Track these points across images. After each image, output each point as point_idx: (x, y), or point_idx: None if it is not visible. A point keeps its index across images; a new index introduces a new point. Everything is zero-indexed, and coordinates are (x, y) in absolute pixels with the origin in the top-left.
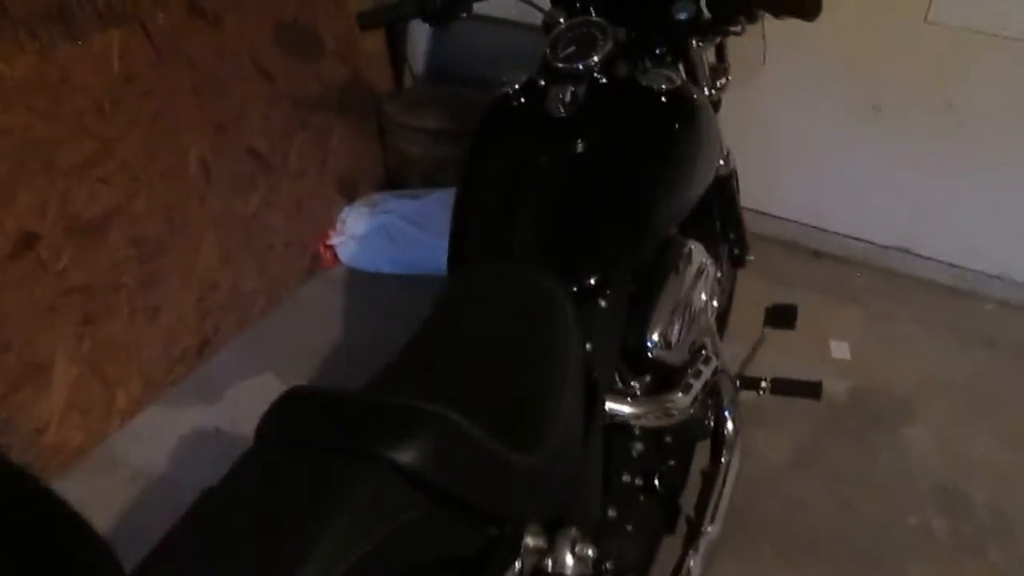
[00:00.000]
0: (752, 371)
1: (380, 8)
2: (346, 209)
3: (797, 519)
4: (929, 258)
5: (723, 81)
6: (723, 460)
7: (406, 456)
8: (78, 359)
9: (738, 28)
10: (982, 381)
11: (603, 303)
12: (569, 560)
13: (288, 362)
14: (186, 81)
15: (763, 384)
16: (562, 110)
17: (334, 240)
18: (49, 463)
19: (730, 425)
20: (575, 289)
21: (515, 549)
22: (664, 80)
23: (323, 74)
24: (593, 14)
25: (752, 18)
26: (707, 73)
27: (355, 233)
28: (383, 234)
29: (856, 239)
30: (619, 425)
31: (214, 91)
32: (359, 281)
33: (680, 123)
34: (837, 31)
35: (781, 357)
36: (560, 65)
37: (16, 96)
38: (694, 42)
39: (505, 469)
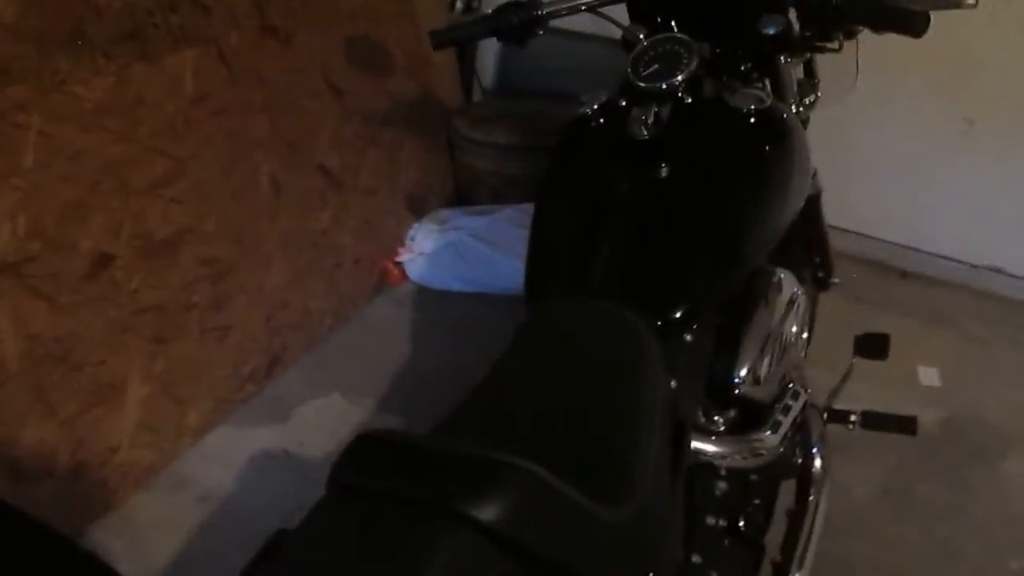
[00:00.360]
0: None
1: (453, 27)
2: (415, 226)
3: (888, 560)
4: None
5: (812, 98)
6: (810, 499)
7: (489, 514)
8: (150, 378)
9: (835, 45)
10: None
11: (689, 337)
12: None
13: (356, 382)
14: (258, 99)
15: (853, 418)
16: (645, 132)
17: (403, 257)
18: (121, 482)
19: (818, 462)
20: (660, 323)
21: None
22: (753, 100)
23: (393, 90)
24: (675, 29)
25: (851, 34)
26: (795, 90)
27: (424, 250)
28: (452, 251)
29: (946, 258)
30: (703, 464)
31: (285, 108)
32: (427, 299)
33: (771, 146)
34: (927, 41)
35: (864, 384)
36: (642, 84)
37: (93, 118)
38: (782, 58)
39: (594, 525)
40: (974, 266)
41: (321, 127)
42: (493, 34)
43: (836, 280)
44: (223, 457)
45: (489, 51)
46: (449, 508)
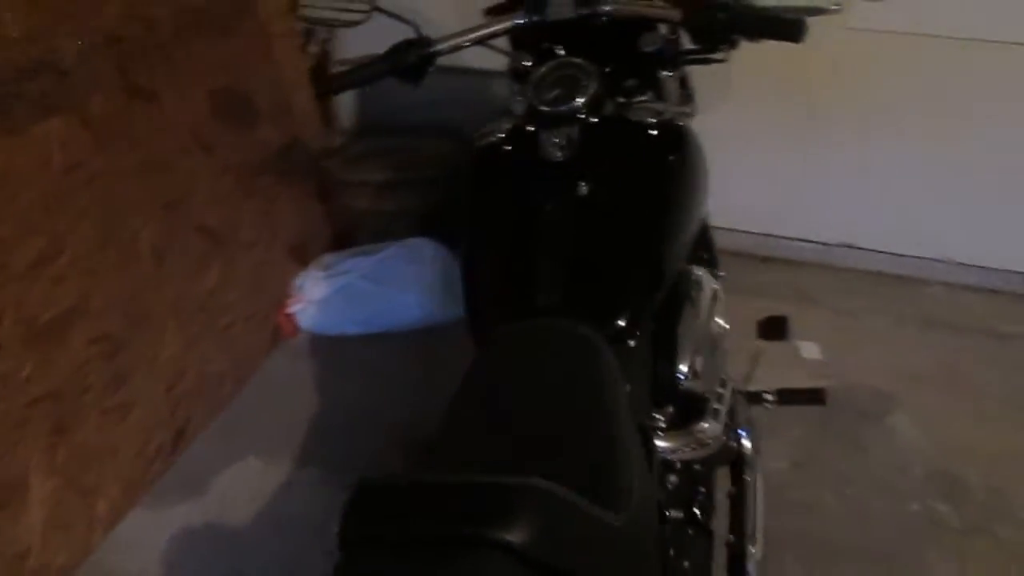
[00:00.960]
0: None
1: (351, 71)
2: (301, 275)
3: (810, 524)
4: (873, 250)
5: (689, 109)
6: (748, 479)
7: (520, 537)
8: (53, 472)
9: (722, 56)
10: (948, 363)
11: (633, 343)
12: None
13: (268, 442)
14: (129, 163)
15: (770, 397)
16: (559, 154)
17: (293, 308)
18: None
19: (750, 444)
20: (608, 334)
21: None
22: (651, 113)
23: (261, 140)
24: (561, 55)
25: (734, 45)
26: (676, 101)
27: (314, 298)
28: (343, 296)
29: (803, 241)
30: (660, 461)
31: (158, 170)
32: (325, 346)
33: (675, 155)
34: (767, 45)
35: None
36: (548, 109)
37: None
38: (663, 73)
39: (606, 533)
40: (829, 245)
41: (196, 186)
42: (391, 73)
43: (723, 274)
44: (142, 542)
45: (345, 93)
46: (481, 537)
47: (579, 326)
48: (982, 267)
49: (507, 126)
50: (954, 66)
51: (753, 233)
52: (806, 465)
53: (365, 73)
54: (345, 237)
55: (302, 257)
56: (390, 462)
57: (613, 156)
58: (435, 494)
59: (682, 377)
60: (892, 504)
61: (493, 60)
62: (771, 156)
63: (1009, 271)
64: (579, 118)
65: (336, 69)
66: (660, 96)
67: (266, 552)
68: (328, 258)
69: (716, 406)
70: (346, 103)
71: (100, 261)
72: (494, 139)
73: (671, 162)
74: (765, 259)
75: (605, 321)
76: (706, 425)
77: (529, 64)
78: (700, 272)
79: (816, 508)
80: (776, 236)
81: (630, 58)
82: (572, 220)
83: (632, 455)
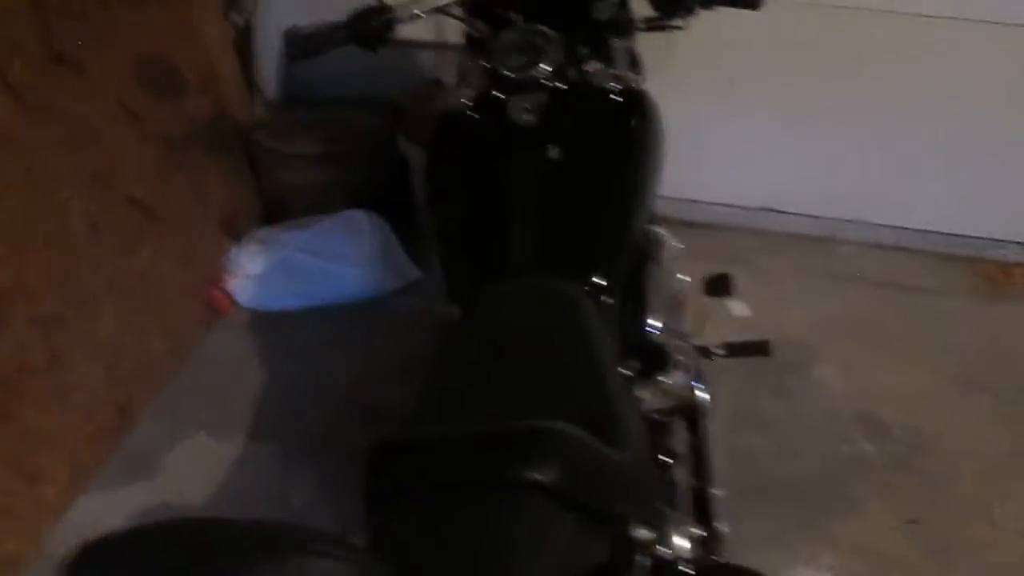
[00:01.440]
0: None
1: (310, 36)
2: (234, 250)
3: (749, 468)
4: (793, 213)
5: (638, 77)
6: (706, 428)
7: (552, 476)
8: None
9: (682, 24)
10: (863, 315)
11: (608, 299)
12: (684, 543)
13: (216, 419)
14: (54, 133)
15: (718, 351)
16: (529, 119)
17: (229, 284)
18: None
19: (705, 395)
20: (586, 290)
21: (634, 546)
22: (614, 79)
23: (188, 110)
24: (516, 22)
25: (693, 12)
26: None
27: (251, 273)
28: (281, 270)
29: (725, 206)
30: None
31: (85, 140)
32: (264, 322)
33: (639, 119)
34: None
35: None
36: (514, 75)
37: None
38: (615, 40)
39: (621, 472)
40: (751, 209)
41: (124, 156)
42: (352, 40)
43: None
44: (94, 526)
45: (267, 63)
46: (516, 478)
47: (561, 283)
48: (890, 226)
49: (471, 92)
50: (865, 35)
51: (676, 199)
52: (740, 414)
53: (326, 39)
54: (276, 211)
55: (234, 231)
56: (341, 431)
57: (580, 121)
58: (461, 443)
59: (650, 330)
60: (823, 447)
61: (417, 31)
62: (694, 124)
63: (913, 230)
64: (545, 84)
65: (290, 36)
66: (611, 63)
67: None
68: (262, 232)
69: (679, 358)
70: (269, 74)
71: (31, 236)
72: (459, 105)
73: (636, 126)
74: (689, 224)
75: (582, 278)
76: (672, 377)
77: (487, 32)
78: (661, 230)
79: (753, 452)
80: (700, 202)
81: (583, 25)
82: (544, 182)
83: (625, 401)
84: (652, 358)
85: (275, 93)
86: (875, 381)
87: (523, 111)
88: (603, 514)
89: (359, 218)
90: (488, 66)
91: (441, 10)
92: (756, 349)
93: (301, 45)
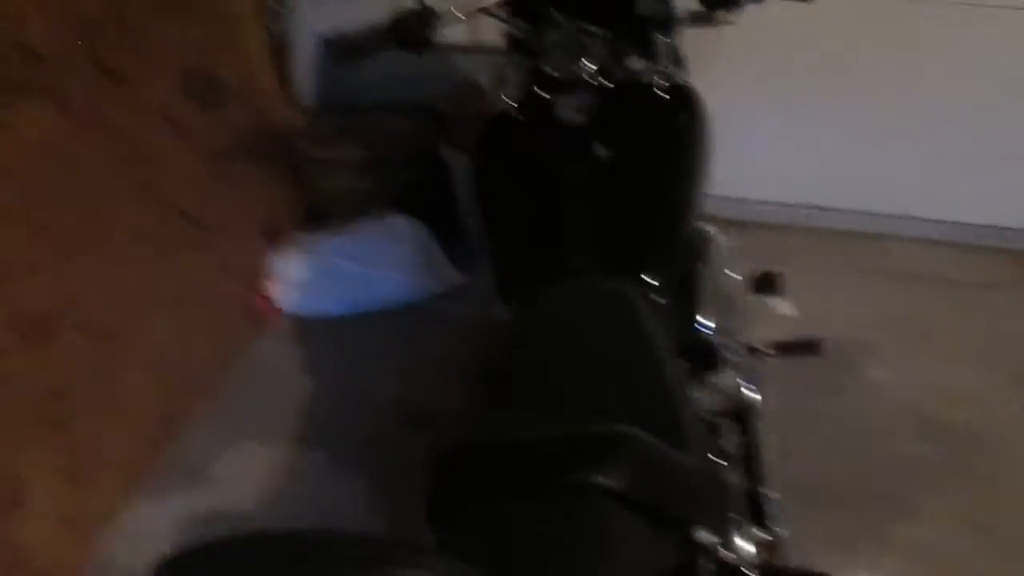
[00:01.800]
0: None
1: (355, 40)
2: (277, 256)
3: (807, 471)
4: (836, 209)
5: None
6: (757, 429)
7: (619, 481)
8: (52, 469)
9: (733, 19)
10: (912, 311)
11: (662, 299)
12: (748, 547)
13: (262, 426)
14: (104, 147)
15: (766, 350)
16: (578, 118)
17: (274, 291)
18: None
19: (756, 395)
20: (642, 291)
21: (699, 550)
22: (661, 76)
23: (232, 120)
24: (561, 20)
25: (739, 5)
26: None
27: (295, 280)
28: (326, 276)
29: (770, 203)
30: None
31: (135, 154)
32: (309, 328)
33: (687, 116)
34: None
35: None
36: (559, 74)
37: None
38: (659, 37)
39: (689, 476)
40: (794, 206)
41: (172, 169)
42: (395, 44)
43: None
44: (150, 533)
45: (303, 71)
46: (588, 484)
47: (616, 283)
48: (937, 221)
49: (516, 94)
50: (916, 24)
51: (721, 197)
52: (795, 414)
53: (370, 43)
54: (317, 217)
55: (275, 238)
56: (387, 437)
57: (628, 119)
58: (533, 448)
59: (702, 329)
60: (881, 448)
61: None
62: (736, 119)
63: (960, 223)
64: (591, 82)
65: (332, 41)
66: (654, 60)
67: None
68: (305, 239)
69: (731, 358)
70: (306, 82)
71: (84, 250)
72: (504, 107)
73: (684, 123)
74: (733, 222)
75: (634, 277)
76: (723, 377)
77: (529, 31)
78: (710, 228)
79: (809, 454)
80: (744, 199)
81: (626, 22)
82: (594, 182)
83: (686, 402)
84: (703, 357)
85: (312, 100)
86: (929, 378)
87: (571, 110)
88: (671, 519)
89: (400, 223)
90: (532, 66)
91: (484, 10)
92: (807, 348)
93: (344, 49)
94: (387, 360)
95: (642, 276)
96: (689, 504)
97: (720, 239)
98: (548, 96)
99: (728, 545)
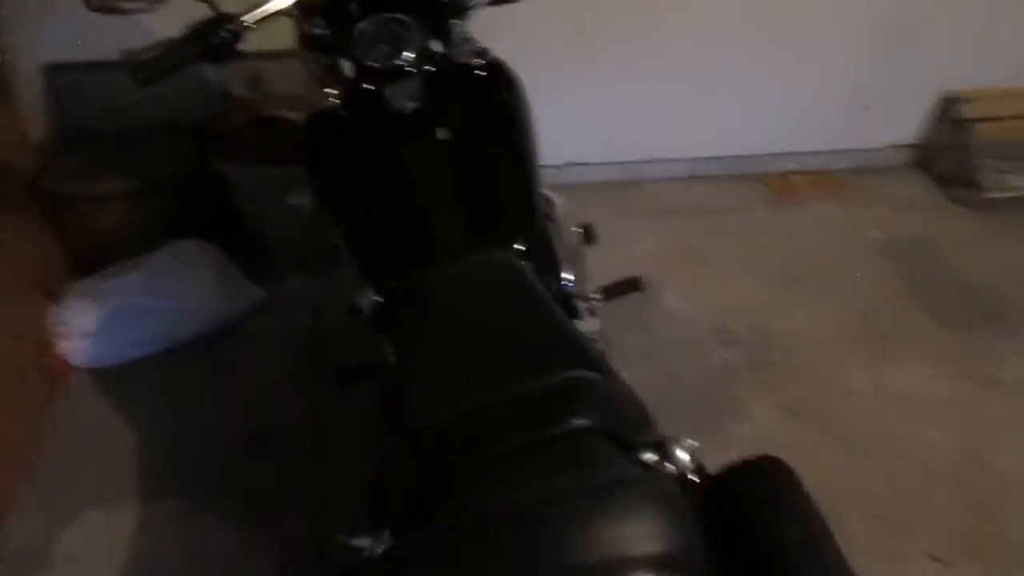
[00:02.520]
0: None
1: (157, 59)
2: (57, 311)
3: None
4: (599, 163)
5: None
6: None
7: (596, 419)
8: None
9: None
10: (682, 242)
11: (530, 263)
12: (685, 456)
13: (95, 490)
14: None
15: (594, 296)
16: (410, 105)
17: (65, 348)
18: None
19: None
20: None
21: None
22: (474, 55)
23: None
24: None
25: None
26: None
27: (86, 331)
28: (117, 320)
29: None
30: None
31: None
32: (111, 377)
33: (509, 88)
34: None
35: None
36: (379, 65)
37: None
38: (452, 20)
39: (628, 403)
40: (558, 166)
41: None
42: (202, 56)
43: None
44: None
45: (30, 102)
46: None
47: (496, 255)
48: (685, 159)
49: (337, 91)
50: None
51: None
52: (618, 350)
53: (174, 59)
54: (88, 260)
55: (49, 291)
56: (238, 466)
57: (456, 98)
58: (506, 408)
59: (566, 285)
60: (695, 363)
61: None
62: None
63: (706, 158)
64: (414, 69)
65: (132, 61)
66: (449, 42)
67: None
68: (82, 285)
69: (587, 306)
70: (34, 117)
71: None
72: (328, 104)
73: (509, 95)
74: None
75: (506, 246)
76: (587, 325)
77: (316, 31)
78: (550, 192)
79: (635, 381)
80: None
81: (425, 10)
82: (443, 163)
83: (592, 344)
84: (569, 309)
85: (41, 136)
86: (713, 297)
87: (402, 98)
88: (628, 443)
89: (189, 248)
90: (349, 62)
91: (281, 13)
92: (630, 287)
93: (149, 69)
94: (209, 390)
95: (512, 245)
96: (636, 427)
97: (560, 202)
98: (368, 88)
99: (669, 458)
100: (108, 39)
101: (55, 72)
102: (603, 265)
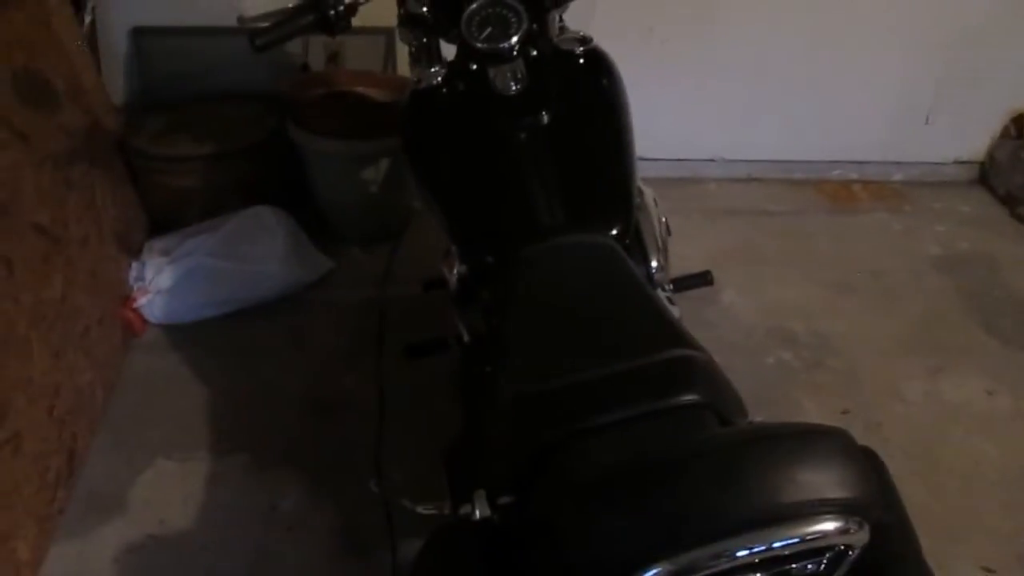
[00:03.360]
0: None
1: (276, 25)
2: (135, 265)
3: None
4: (657, 159)
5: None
6: None
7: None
8: None
9: None
10: (742, 242)
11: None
12: None
13: (169, 441)
14: None
15: (667, 287)
16: (515, 87)
17: (141, 301)
18: None
19: None
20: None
21: None
22: (576, 43)
23: (67, 124)
24: None
25: None
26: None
27: (161, 287)
28: (195, 279)
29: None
30: None
31: None
32: (184, 335)
33: (608, 76)
34: None
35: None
36: (488, 47)
37: None
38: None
39: (726, 380)
40: None
41: (21, 181)
42: (317, 25)
43: None
44: (87, 574)
45: (114, 64)
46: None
47: (595, 237)
48: (745, 160)
49: (442, 69)
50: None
51: None
52: None
53: (290, 27)
54: (168, 219)
55: (129, 247)
56: (302, 429)
57: (559, 83)
58: (615, 382)
59: (655, 272)
60: (752, 362)
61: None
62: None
63: (765, 160)
64: (519, 54)
65: (248, 26)
66: (543, 29)
67: (224, 549)
68: (161, 243)
69: (668, 295)
70: (116, 78)
71: None
72: (432, 83)
73: (609, 82)
74: None
75: (606, 230)
76: (676, 312)
77: (424, 10)
78: (642, 184)
79: None
80: None
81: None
82: (545, 146)
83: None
84: None
85: (124, 97)
86: (771, 297)
87: (508, 81)
88: (729, 423)
89: (265, 214)
90: (454, 43)
91: None
92: (701, 280)
93: (266, 35)
94: (277, 354)
95: (609, 230)
96: (735, 406)
97: (651, 192)
98: (474, 68)
99: None
100: (193, 5)
101: (141, 35)
102: (671, 260)
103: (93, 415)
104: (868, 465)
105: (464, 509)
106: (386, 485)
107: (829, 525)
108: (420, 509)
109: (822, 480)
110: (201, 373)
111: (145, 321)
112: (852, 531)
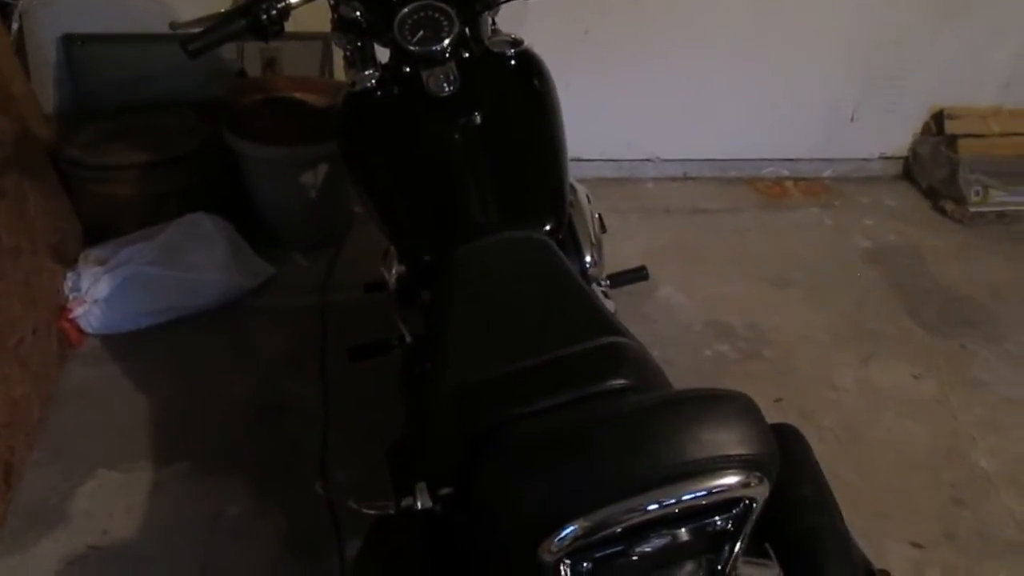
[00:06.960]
0: None
1: (208, 31)
2: (70, 276)
3: None
4: (595, 159)
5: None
6: None
7: (633, 378)
8: None
9: None
10: (678, 239)
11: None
12: None
13: (105, 452)
14: None
15: (603, 283)
16: (448, 88)
17: (77, 312)
18: None
19: None
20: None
21: None
22: (508, 45)
23: None
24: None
25: None
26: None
27: (98, 297)
28: (132, 288)
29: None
30: None
31: None
32: (122, 345)
33: (539, 76)
34: None
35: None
36: (419, 50)
37: None
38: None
39: (651, 360)
40: None
41: None
42: (249, 30)
43: None
44: None
45: (43, 72)
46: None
47: (529, 234)
48: (680, 160)
49: (375, 74)
50: None
51: None
52: None
53: (222, 33)
54: (104, 228)
55: (63, 257)
56: (247, 434)
57: (491, 85)
58: (551, 369)
59: (590, 266)
60: (691, 355)
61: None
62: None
63: (700, 159)
64: (450, 56)
65: (175, 30)
66: (475, 32)
67: (169, 558)
68: (97, 252)
69: (603, 290)
70: (48, 86)
71: None
72: (367, 85)
73: (540, 83)
74: None
75: (539, 226)
76: (611, 306)
77: (358, 14)
78: (574, 180)
79: None
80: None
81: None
82: (477, 145)
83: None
84: None
85: (56, 106)
86: (708, 292)
87: (442, 82)
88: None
89: (202, 221)
90: (387, 46)
91: None
92: (636, 276)
93: (198, 40)
94: (219, 362)
95: (544, 227)
96: (663, 387)
97: (583, 189)
98: (407, 71)
99: None
100: (124, 12)
101: (72, 42)
102: (606, 256)
103: (30, 428)
104: (767, 425)
105: (406, 501)
106: (331, 487)
107: (732, 479)
108: (366, 509)
109: (724, 439)
110: (141, 382)
111: (82, 332)
112: (753, 484)
